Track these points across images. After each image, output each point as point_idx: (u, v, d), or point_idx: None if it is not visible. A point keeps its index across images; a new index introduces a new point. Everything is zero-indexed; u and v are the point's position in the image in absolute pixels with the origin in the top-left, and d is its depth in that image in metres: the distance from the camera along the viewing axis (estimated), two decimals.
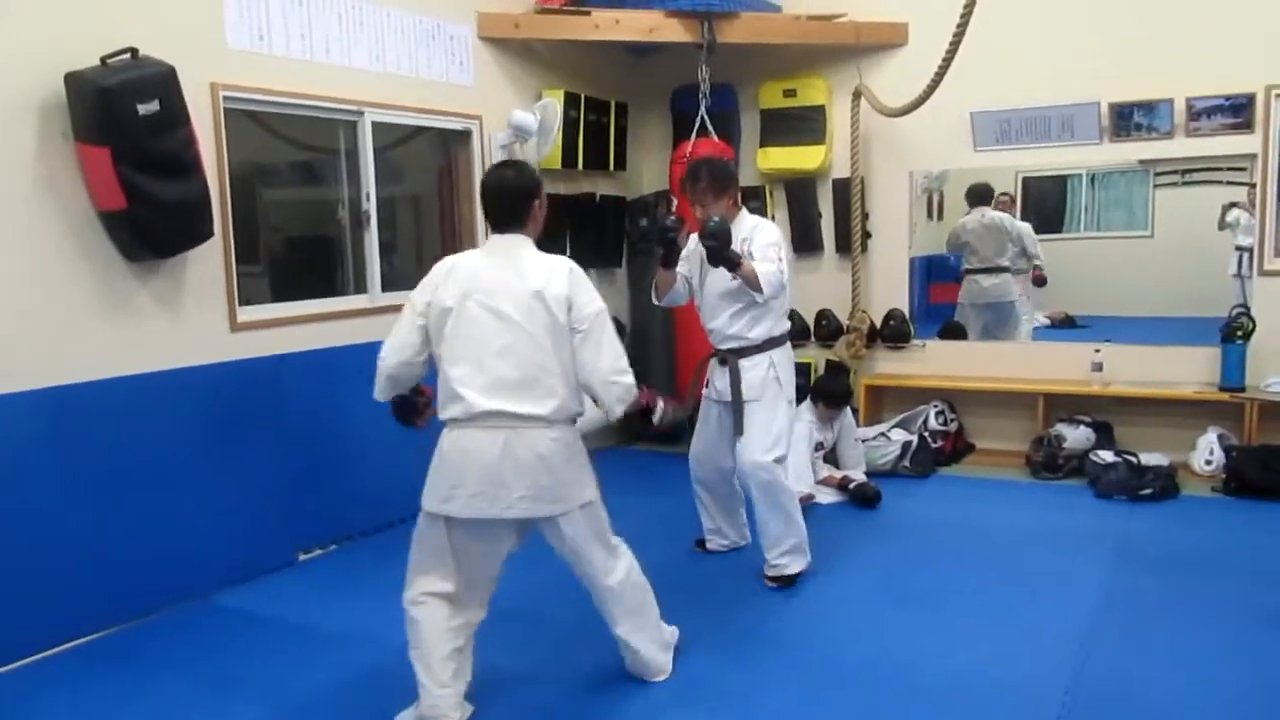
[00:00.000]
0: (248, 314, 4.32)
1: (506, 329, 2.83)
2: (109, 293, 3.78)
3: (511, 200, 2.97)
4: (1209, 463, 5.41)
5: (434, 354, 2.92)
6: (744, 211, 4.03)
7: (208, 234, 3.94)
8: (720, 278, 3.88)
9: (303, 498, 4.44)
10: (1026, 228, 6.83)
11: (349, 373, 4.65)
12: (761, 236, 3.89)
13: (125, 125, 3.52)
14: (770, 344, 3.98)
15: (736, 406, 3.95)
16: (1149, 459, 5.26)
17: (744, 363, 3.96)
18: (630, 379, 2.91)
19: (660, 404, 3.19)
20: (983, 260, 6.77)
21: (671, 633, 3.32)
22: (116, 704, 3.18)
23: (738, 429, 3.95)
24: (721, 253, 3.67)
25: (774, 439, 3.94)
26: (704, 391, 4.19)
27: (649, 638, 3.18)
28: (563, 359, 2.86)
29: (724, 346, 4.02)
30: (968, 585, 3.98)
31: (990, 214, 6.77)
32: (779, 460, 3.95)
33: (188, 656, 3.51)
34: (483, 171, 5.52)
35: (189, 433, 4.00)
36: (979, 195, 6.79)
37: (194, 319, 4.09)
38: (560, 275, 2.88)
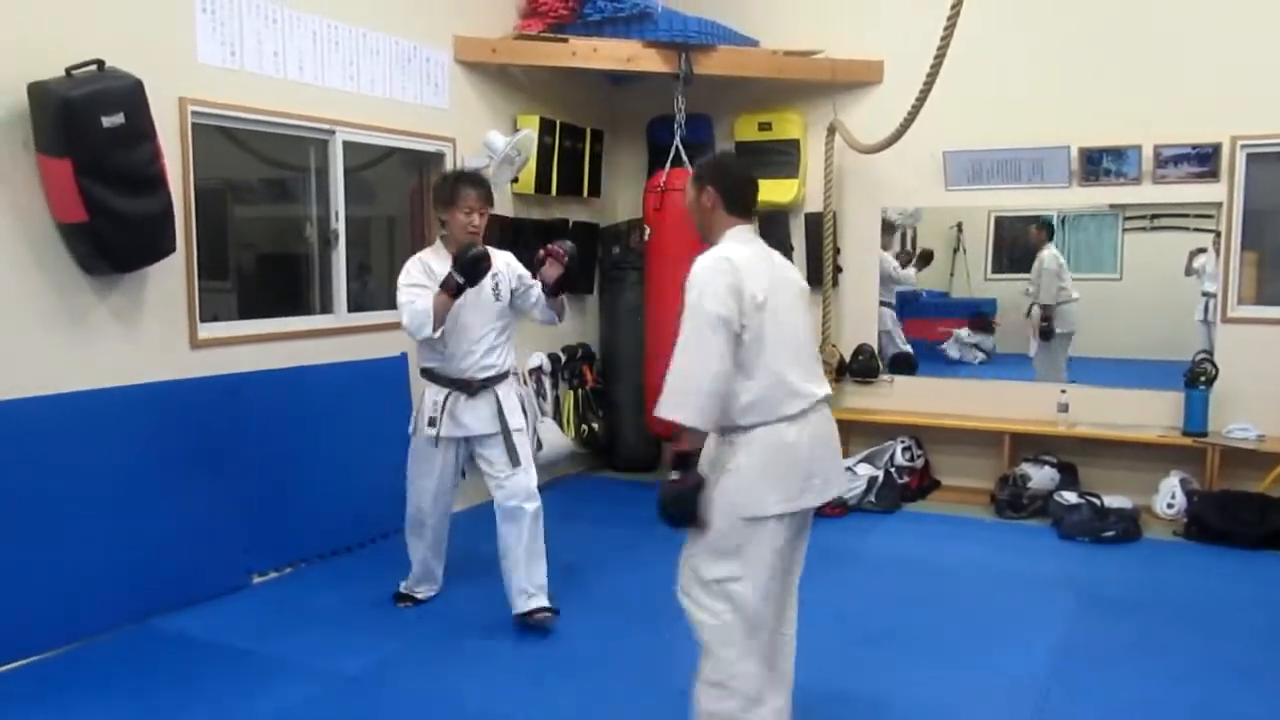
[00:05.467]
0: (209, 331, 4.26)
1: (798, 320, 2.76)
2: (66, 306, 3.71)
3: (755, 190, 2.89)
4: (1170, 506, 5.44)
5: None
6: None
7: (169, 249, 3.89)
8: None
9: (259, 519, 4.37)
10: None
11: (311, 393, 4.63)
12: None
13: (88, 137, 3.47)
14: None
15: None
16: (1112, 501, 5.28)
17: None
18: None
19: None
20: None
21: None
22: None
23: None
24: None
25: None
26: None
27: None
28: None
29: None
30: (928, 624, 3.96)
31: None
32: None
33: (125, 683, 3.41)
34: None
35: (143, 450, 3.92)
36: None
37: (153, 335, 4.02)
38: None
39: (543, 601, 3.80)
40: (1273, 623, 3.99)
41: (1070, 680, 3.46)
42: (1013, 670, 3.52)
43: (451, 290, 3.62)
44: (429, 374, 3.86)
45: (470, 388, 3.82)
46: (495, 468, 3.85)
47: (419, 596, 4.10)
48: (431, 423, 3.81)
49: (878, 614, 4.04)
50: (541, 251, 3.86)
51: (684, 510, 2.59)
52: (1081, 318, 6.61)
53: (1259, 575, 4.61)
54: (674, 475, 2.60)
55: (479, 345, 3.82)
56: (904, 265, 6.91)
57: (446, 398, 3.82)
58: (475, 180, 3.85)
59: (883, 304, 6.62)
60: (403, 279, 3.74)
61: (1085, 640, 3.81)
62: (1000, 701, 3.30)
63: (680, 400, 2.50)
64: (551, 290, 3.87)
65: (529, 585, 3.79)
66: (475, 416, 3.83)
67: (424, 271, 3.75)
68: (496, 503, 3.85)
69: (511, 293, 3.93)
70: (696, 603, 2.67)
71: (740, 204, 2.81)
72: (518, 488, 3.82)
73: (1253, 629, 3.92)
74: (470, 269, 3.61)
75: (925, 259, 6.94)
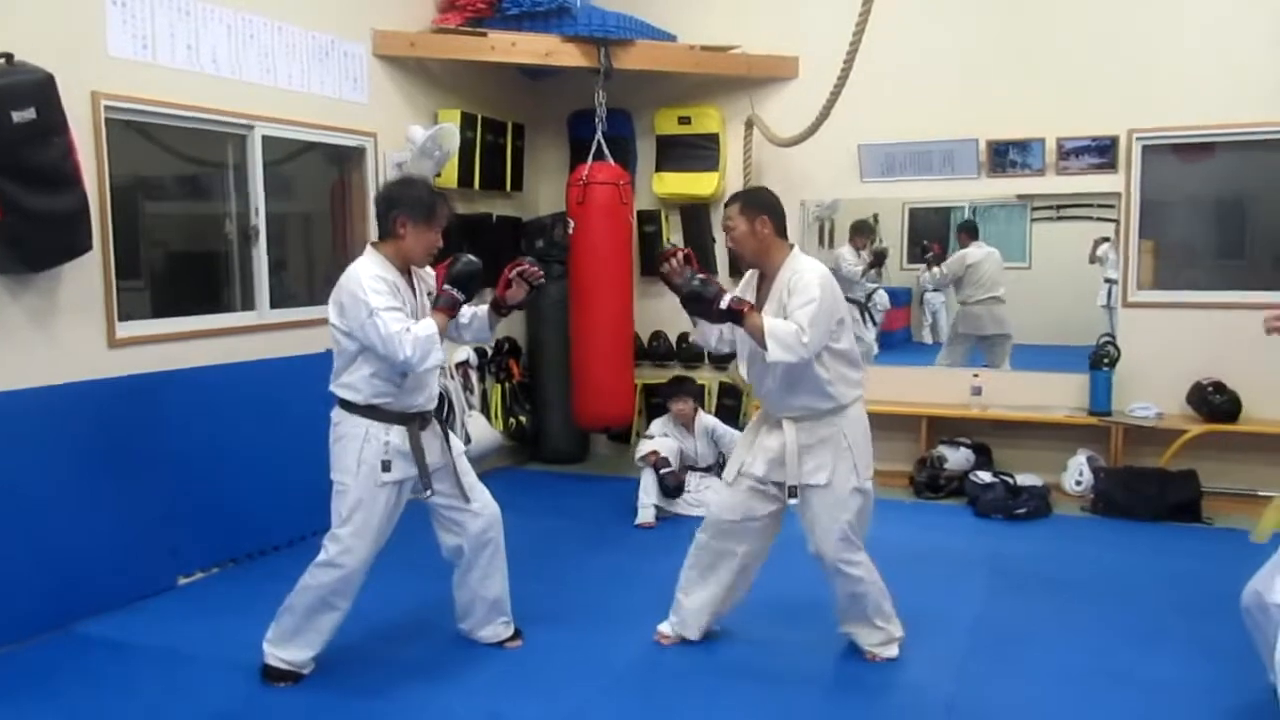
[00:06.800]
0: (127, 329, 4.18)
1: None
2: None
3: None
4: (1078, 483, 5.68)
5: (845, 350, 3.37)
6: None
7: (86, 247, 3.81)
8: None
9: (184, 520, 4.30)
10: None
11: (234, 391, 4.57)
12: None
13: None
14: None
15: None
16: (1024, 480, 5.50)
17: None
18: None
19: None
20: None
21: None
22: None
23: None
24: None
25: None
26: None
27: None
28: None
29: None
30: None
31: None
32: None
33: (49, 688, 3.35)
34: (377, 189, 5.51)
35: (62, 452, 3.84)
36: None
37: (69, 334, 3.93)
38: None
39: (511, 629, 3.70)
40: (1172, 591, 4.20)
41: (987, 650, 3.62)
42: (932, 642, 3.66)
43: (450, 308, 3.27)
44: (372, 411, 3.26)
45: (424, 420, 3.38)
46: (451, 500, 3.47)
47: (304, 674, 3.38)
48: (386, 467, 3.25)
49: (803, 592, 4.12)
50: (513, 271, 3.44)
51: (707, 288, 3.27)
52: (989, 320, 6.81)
53: (1159, 546, 4.86)
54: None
55: (434, 373, 3.40)
56: (873, 265, 7.12)
57: (412, 436, 3.30)
58: (447, 199, 3.42)
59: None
60: (375, 300, 3.11)
61: (1001, 613, 3.98)
62: (920, 671, 3.45)
63: (794, 353, 3.16)
64: (507, 311, 3.52)
65: (504, 616, 3.67)
66: (429, 450, 3.37)
67: (391, 290, 3.19)
68: (467, 535, 3.50)
69: None
70: (852, 560, 3.42)
71: (784, 227, 3.45)
72: (489, 520, 3.53)
73: (1154, 597, 4.13)
74: (469, 283, 3.29)
75: (878, 257, 7.13)
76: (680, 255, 3.46)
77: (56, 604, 3.81)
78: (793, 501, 3.43)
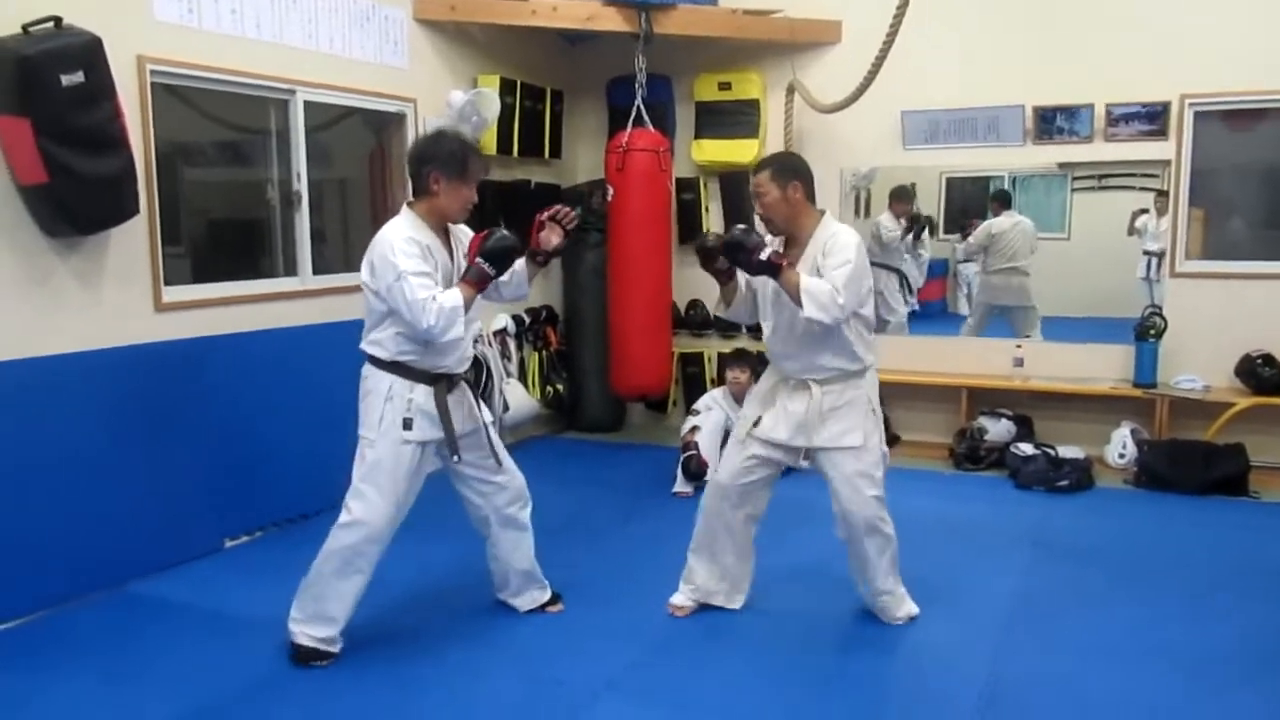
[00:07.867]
0: (173, 294, 4.21)
1: None
2: (27, 269, 3.65)
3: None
4: (1122, 456, 5.61)
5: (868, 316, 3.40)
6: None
7: (133, 210, 3.82)
8: None
9: (230, 483, 4.35)
10: None
11: (278, 356, 4.60)
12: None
13: (48, 96, 3.39)
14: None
15: None
16: (1066, 452, 5.45)
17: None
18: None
19: None
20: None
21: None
22: (19, 699, 3.06)
23: None
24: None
25: None
26: None
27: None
28: None
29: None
30: None
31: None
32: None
33: (98, 647, 3.41)
34: None
35: (110, 416, 3.88)
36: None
37: (116, 298, 3.97)
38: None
39: (549, 593, 3.73)
40: (1215, 566, 4.15)
41: (1026, 623, 3.60)
42: (971, 613, 3.66)
43: (479, 283, 3.16)
44: (399, 368, 3.21)
45: (452, 382, 3.31)
46: (479, 470, 3.44)
47: (335, 651, 3.30)
48: (407, 425, 3.20)
49: (840, 563, 4.13)
50: (543, 215, 3.33)
51: (749, 237, 3.25)
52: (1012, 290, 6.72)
53: (1203, 520, 4.80)
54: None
55: (468, 335, 3.29)
56: (908, 233, 7.01)
57: (438, 396, 3.23)
58: (480, 152, 3.33)
59: (878, 265, 6.71)
60: (404, 263, 3.04)
61: (1042, 585, 3.95)
62: (960, 642, 3.43)
63: (828, 313, 3.17)
64: (544, 260, 3.38)
65: (538, 583, 3.70)
66: (456, 414, 3.30)
67: (422, 253, 3.12)
68: (492, 507, 3.50)
69: None
70: (885, 519, 3.52)
71: (814, 193, 3.44)
72: (514, 493, 3.53)
73: (1197, 572, 4.08)
74: (503, 260, 3.17)
75: (913, 223, 7.00)
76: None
77: (108, 564, 3.87)
78: (805, 464, 3.46)
